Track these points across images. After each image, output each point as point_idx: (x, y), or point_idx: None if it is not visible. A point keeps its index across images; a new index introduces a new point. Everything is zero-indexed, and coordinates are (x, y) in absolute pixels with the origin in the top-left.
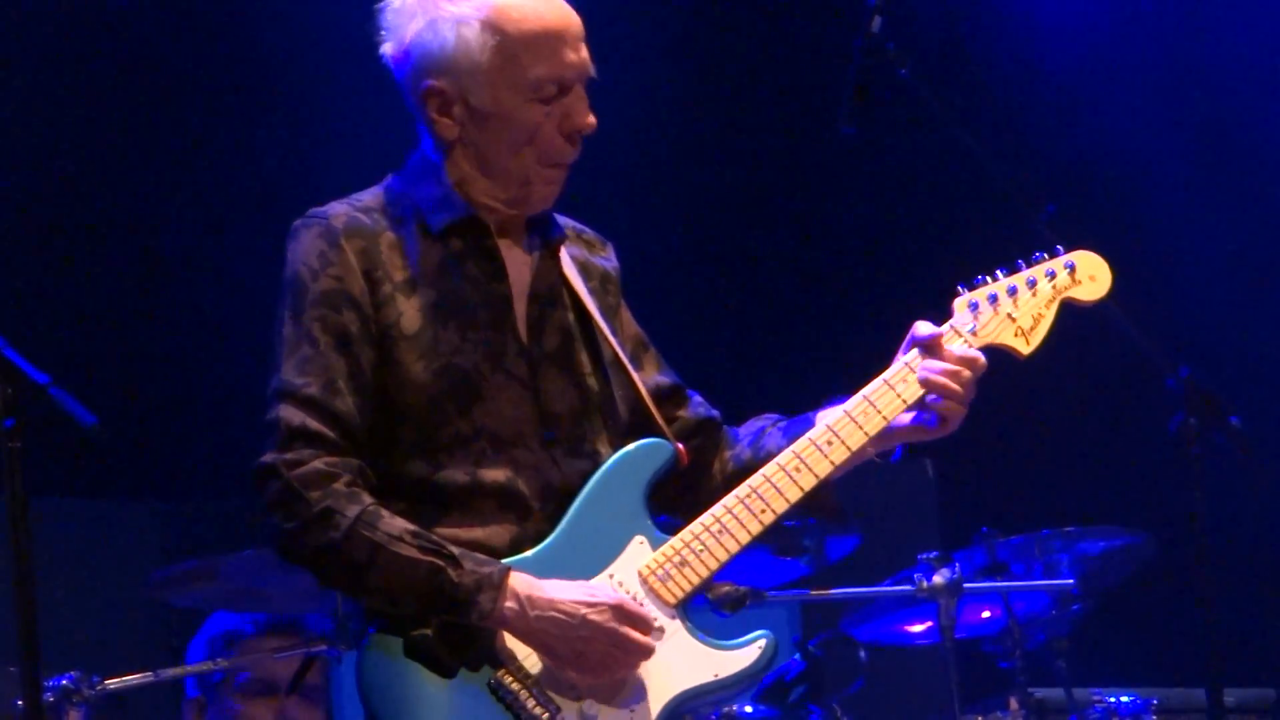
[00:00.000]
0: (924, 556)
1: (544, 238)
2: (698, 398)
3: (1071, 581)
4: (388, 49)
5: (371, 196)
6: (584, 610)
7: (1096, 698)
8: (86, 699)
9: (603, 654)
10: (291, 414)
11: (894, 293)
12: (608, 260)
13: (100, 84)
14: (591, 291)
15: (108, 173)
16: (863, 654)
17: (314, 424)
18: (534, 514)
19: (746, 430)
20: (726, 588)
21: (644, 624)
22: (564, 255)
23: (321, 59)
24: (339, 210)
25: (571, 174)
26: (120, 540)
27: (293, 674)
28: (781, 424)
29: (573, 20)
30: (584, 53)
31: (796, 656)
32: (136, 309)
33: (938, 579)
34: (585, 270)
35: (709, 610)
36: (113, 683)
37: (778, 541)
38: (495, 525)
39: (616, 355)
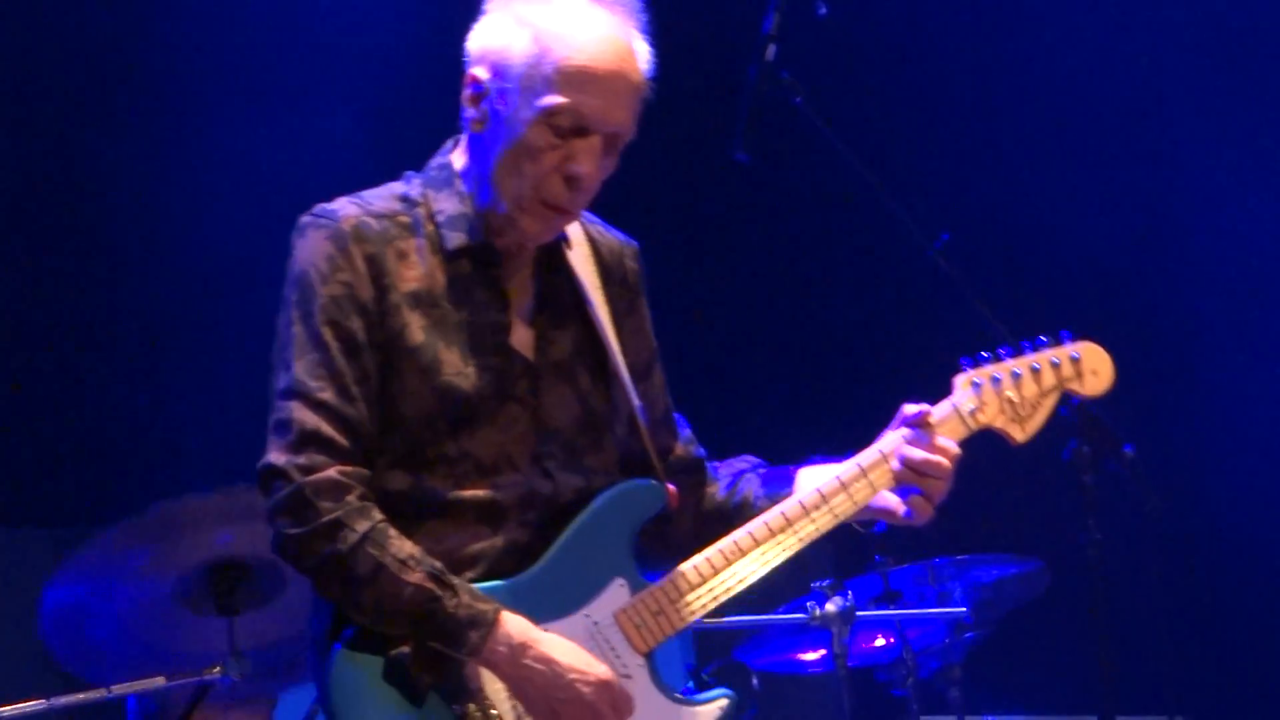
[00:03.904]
0: (817, 584)
1: (551, 246)
2: (687, 431)
3: (965, 609)
4: (471, 31)
5: (383, 200)
6: (573, 676)
7: None
8: None
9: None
10: (306, 416)
11: (788, 320)
12: (629, 263)
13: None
14: (608, 298)
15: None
16: (756, 682)
17: (328, 429)
18: (509, 523)
19: (725, 472)
20: None
21: (627, 706)
22: (575, 262)
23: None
24: (349, 212)
25: None
26: (13, 566)
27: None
28: (761, 472)
29: (626, 76)
30: (620, 111)
31: (689, 685)
32: (27, 334)
33: (831, 607)
34: (607, 274)
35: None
36: (5, 710)
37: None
38: (467, 534)
39: (618, 374)
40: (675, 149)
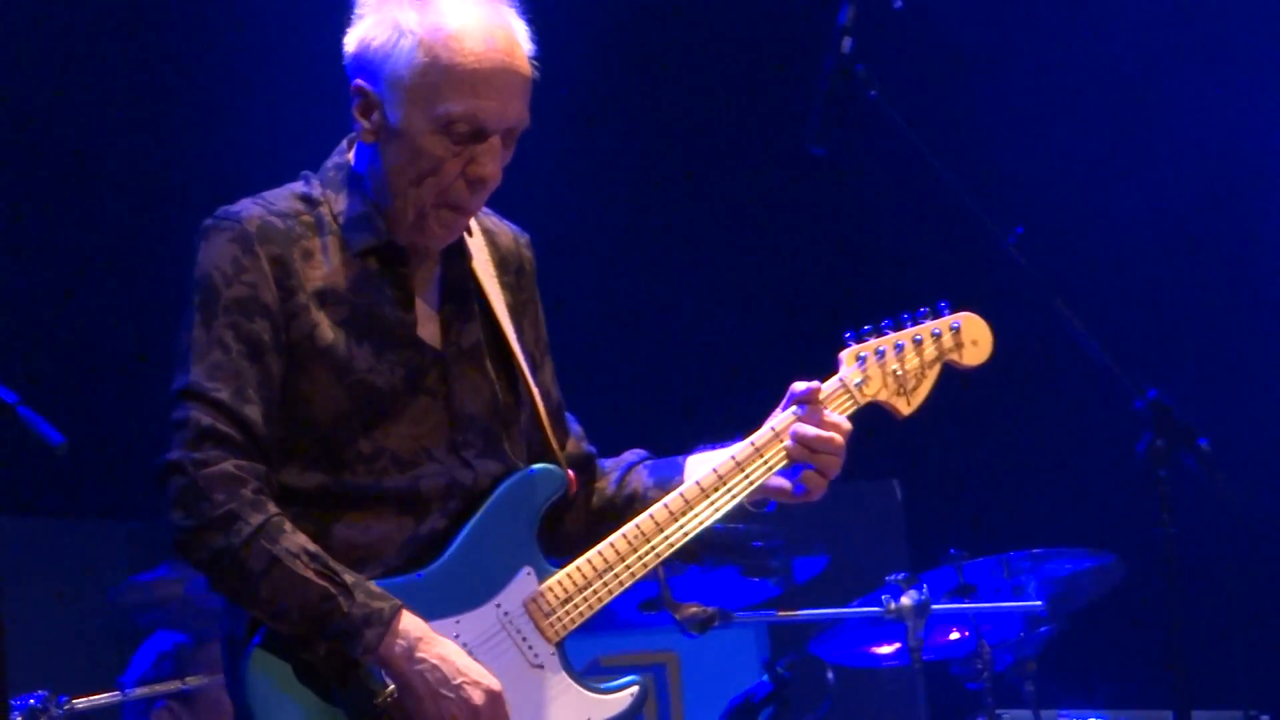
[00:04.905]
0: (892, 578)
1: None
2: (577, 427)
3: (1040, 603)
4: (347, 33)
5: (285, 200)
6: (463, 680)
7: None
8: (54, 719)
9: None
10: (201, 415)
11: (862, 313)
12: (524, 252)
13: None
14: (505, 286)
15: (68, 187)
16: (831, 675)
17: (224, 427)
18: (431, 513)
19: (613, 466)
20: (694, 608)
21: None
22: (475, 254)
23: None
24: (253, 213)
25: (544, 190)
26: (88, 559)
27: None
28: (648, 464)
29: (514, 71)
30: (514, 106)
31: (765, 678)
32: (104, 326)
33: (906, 600)
34: (502, 264)
35: (677, 631)
36: (81, 702)
37: (746, 562)
38: (390, 525)
39: (519, 365)
40: (750, 142)
